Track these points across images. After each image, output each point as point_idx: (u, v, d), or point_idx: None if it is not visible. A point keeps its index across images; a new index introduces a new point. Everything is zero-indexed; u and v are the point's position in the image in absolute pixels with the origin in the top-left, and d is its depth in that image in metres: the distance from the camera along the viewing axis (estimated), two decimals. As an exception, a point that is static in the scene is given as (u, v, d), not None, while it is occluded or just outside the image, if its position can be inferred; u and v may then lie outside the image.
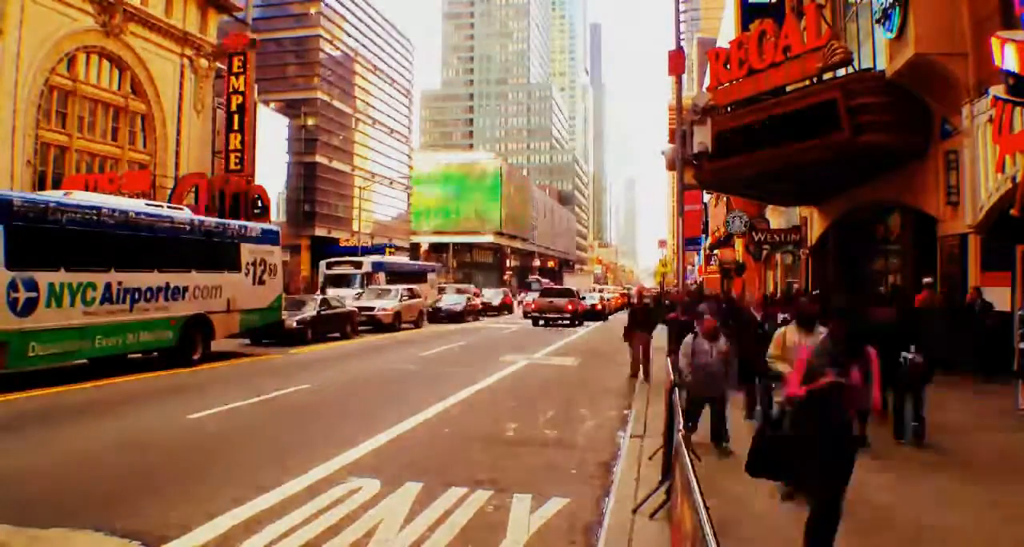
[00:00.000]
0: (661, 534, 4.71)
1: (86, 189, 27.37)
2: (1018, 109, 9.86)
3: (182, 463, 6.88)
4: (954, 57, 12.14)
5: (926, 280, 12.71)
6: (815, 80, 15.14)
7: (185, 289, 14.26)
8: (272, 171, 56.33)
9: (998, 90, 9.48)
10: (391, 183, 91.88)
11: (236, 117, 37.12)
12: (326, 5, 76.50)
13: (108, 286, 12.32)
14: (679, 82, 15.67)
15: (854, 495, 4.63)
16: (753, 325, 9.02)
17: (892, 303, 9.93)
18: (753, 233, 25.77)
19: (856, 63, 14.98)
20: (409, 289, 28.21)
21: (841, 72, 14.65)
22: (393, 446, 7.68)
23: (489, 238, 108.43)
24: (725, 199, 33.19)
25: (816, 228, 21.86)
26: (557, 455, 7.47)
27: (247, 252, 16.67)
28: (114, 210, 13.00)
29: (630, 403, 10.48)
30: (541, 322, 29.31)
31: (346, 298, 24.91)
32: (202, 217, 17.31)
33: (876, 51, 15.07)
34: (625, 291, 56.75)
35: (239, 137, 37.00)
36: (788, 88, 15.73)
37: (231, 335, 16.49)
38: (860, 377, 4.20)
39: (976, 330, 11.29)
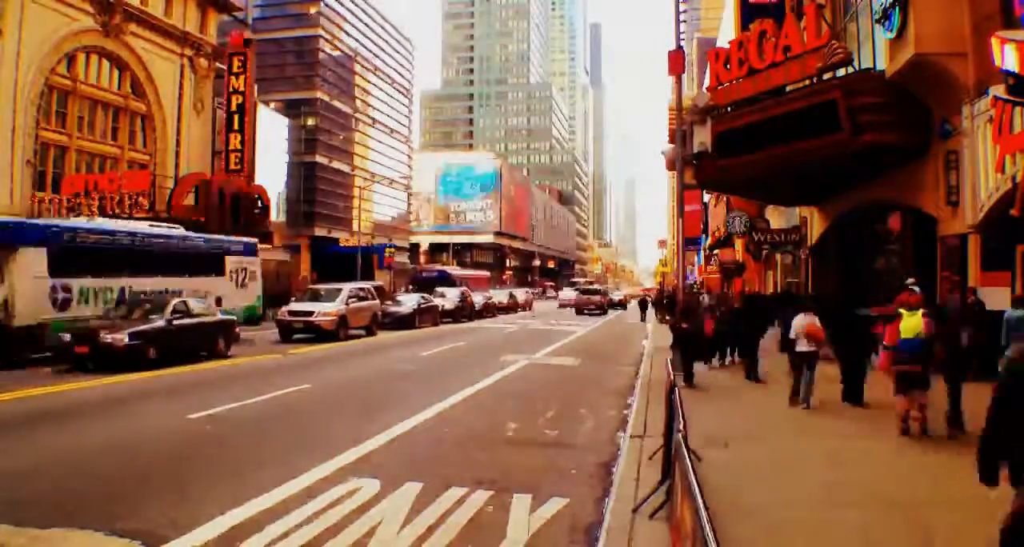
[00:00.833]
0: (661, 534, 4.71)
1: (86, 189, 27.43)
2: (1018, 109, 9.86)
3: (182, 463, 6.87)
4: (954, 57, 12.13)
5: (909, 281, 12.74)
6: (815, 80, 15.13)
7: (181, 291, 17.68)
8: (272, 171, 56.29)
9: (998, 90, 9.47)
10: (391, 183, 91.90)
11: (236, 117, 37.12)
12: (326, 5, 76.50)
13: (122, 289, 16.58)
14: (679, 82, 15.71)
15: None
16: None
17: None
18: (753, 233, 25.76)
19: (856, 63, 14.97)
20: (361, 289, 23.71)
21: (841, 72, 14.64)
22: (393, 446, 7.68)
23: (489, 238, 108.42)
24: (725, 199, 33.17)
25: (816, 228, 21.85)
26: (557, 455, 7.47)
27: (231, 261, 21.23)
28: (126, 232, 17.57)
29: (630, 403, 10.48)
30: (584, 311, 40.81)
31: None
32: (193, 234, 21.00)
33: (876, 51, 15.06)
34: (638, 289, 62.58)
35: (239, 137, 37.00)
36: (788, 88, 15.72)
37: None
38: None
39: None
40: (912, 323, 7.68)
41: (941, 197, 13.41)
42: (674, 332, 13.24)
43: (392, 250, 66.26)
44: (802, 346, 9.66)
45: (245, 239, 23.29)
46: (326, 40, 76.33)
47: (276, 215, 51.80)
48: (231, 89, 37.27)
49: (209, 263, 20.23)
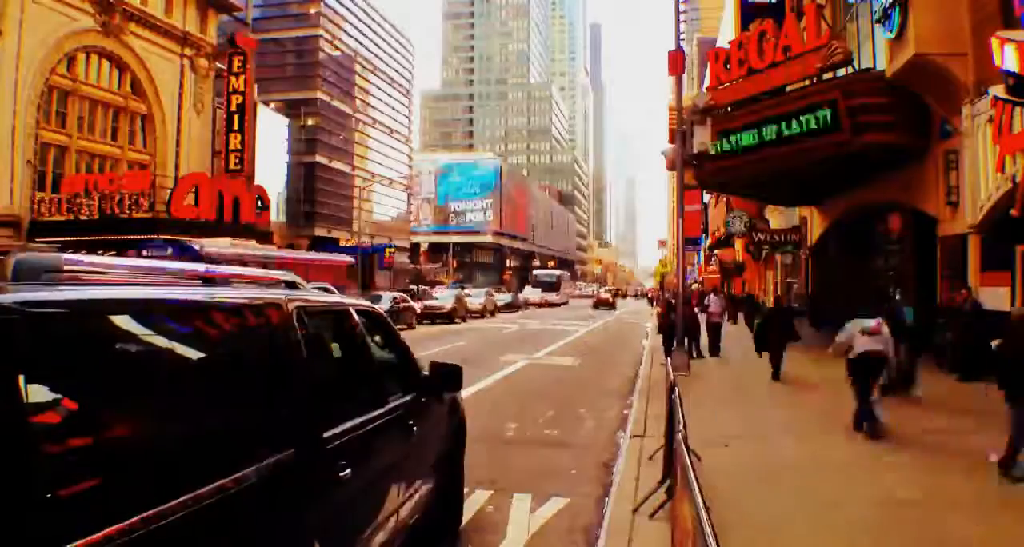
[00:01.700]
0: (661, 534, 4.70)
1: (86, 189, 27.43)
2: (1018, 109, 9.85)
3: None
4: (954, 57, 12.13)
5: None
6: (815, 80, 15.13)
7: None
8: (272, 171, 56.32)
9: (998, 90, 9.47)
10: (391, 183, 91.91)
11: (236, 117, 37.13)
12: (326, 5, 76.53)
13: None
14: (679, 82, 15.68)
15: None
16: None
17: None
18: (753, 233, 25.77)
19: (856, 63, 14.97)
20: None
21: (841, 72, 14.64)
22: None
23: (489, 238, 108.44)
24: (725, 199, 33.17)
25: (816, 228, 21.86)
26: (557, 455, 7.47)
27: None
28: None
29: (630, 403, 10.48)
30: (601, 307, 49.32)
31: None
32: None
33: (876, 51, 15.06)
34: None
35: (239, 137, 37.01)
36: (788, 88, 15.72)
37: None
38: None
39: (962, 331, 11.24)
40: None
41: (941, 197, 13.41)
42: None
43: (392, 250, 66.31)
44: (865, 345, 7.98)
45: None
46: (326, 40, 76.35)
47: (276, 215, 51.81)
48: (231, 89, 37.27)
49: None
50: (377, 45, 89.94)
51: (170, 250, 23.67)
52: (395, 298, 26.76)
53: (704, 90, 18.91)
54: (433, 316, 29.83)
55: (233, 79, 37.21)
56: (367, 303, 4.46)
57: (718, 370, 14.40)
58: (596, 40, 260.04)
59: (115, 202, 26.11)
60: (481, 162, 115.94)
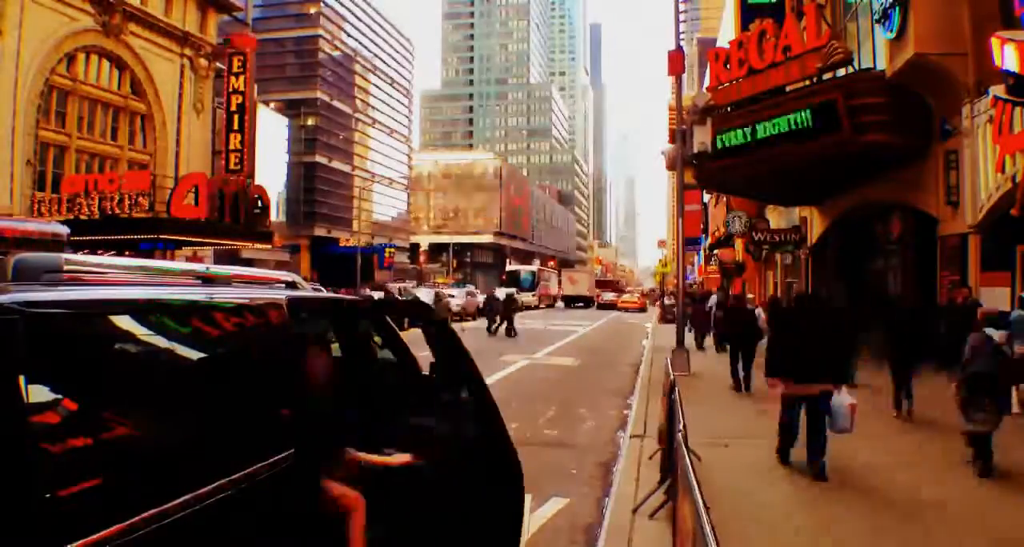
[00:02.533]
0: (661, 534, 4.71)
1: (85, 189, 27.41)
2: (1018, 109, 9.85)
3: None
4: (954, 57, 12.13)
5: None
6: (815, 80, 15.13)
7: None
8: (272, 171, 56.33)
9: (998, 90, 9.48)
10: (391, 183, 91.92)
11: (236, 117, 37.09)
12: (326, 5, 76.55)
13: None
14: (679, 82, 15.71)
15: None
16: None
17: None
18: (753, 233, 25.75)
19: (856, 63, 14.96)
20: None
21: (841, 72, 14.64)
22: (393, 446, 7.67)
23: (489, 238, 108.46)
24: (725, 199, 33.15)
25: (816, 228, 21.85)
26: (557, 455, 7.47)
27: None
28: None
29: (630, 403, 10.49)
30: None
31: None
32: None
33: (876, 51, 15.06)
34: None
35: (239, 137, 36.98)
36: (788, 88, 15.72)
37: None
38: None
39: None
40: None
41: (941, 197, 13.41)
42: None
43: (392, 250, 66.34)
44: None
45: None
46: (326, 40, 76.36)
47: (276, 215, 51.80)
48: (231, 89, 37.23)
49: None
50: (377, 45, 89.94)
51: None
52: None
53: (704, 90, 18.92)
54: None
55: (233, 79, 37.17)
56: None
57: (721, 367, 14.37)
58: (596, 40, 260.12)
59: (115, 202, 26.09)
60: (481, 162, 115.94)
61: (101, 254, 31.90)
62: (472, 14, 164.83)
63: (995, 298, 11.45)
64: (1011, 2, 10.72)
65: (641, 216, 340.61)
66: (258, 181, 35.88)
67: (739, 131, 16.49)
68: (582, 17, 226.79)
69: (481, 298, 37.28)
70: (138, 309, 2.12)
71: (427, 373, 4.08)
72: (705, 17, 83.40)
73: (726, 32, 29.06)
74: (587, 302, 52.15)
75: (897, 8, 12.52)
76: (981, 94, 11.34)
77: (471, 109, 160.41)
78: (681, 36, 15.44)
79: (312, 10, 75.44)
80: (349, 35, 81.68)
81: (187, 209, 25.74)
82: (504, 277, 54.67)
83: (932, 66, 12.44)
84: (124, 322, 2.06)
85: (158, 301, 2.24)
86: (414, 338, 4.00)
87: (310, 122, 72.36)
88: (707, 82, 19.33)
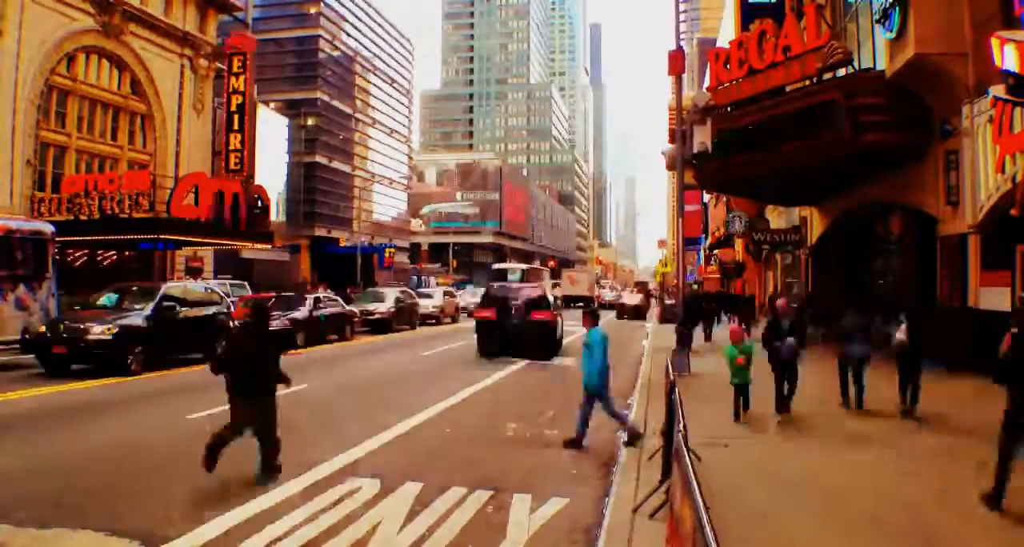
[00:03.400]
0: (661, 534, 4.71)
1: (85, 189, 27.38)
2: (1018, 109, 9.86)
3: (182, 463, 6.87)
4: (954, 57, 12.13)
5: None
6: (815, 80, 15.13)
7: None
8: (272, 171, 56.31)
9: (998, 90, 9.47)
10: (391, 183, 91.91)
11: (236, 117, 37.07)
12: (326, 5, 76.54)
13: None
14: (679, 82, 15.71)
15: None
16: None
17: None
18: (753, 233, 25.77)
19: (856, 63, 14.97)
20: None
21: (841, 72, 14.64)
22: (394, 446, 7.68)
23: (489, 238, 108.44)
24: (725, 199, 33.18)
25: (816, 228, 21.85)
26: (557, 455, 7.47)
27: None
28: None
29: (630, 403, 10.48)
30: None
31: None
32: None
33: (876, 51, 15.06)
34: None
35: (239, 137, 36.96)
36: (788, 88, 15.72)
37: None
38: None
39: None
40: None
41: (941, 197, 13.40)
42: None
43: (392, 250, 66.31)
44: None
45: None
46: (326, 40, 76.36)
47: (276, 215, 51.81)
48: (231, 89, 37.21)
49: None
50: (377, 45, 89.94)
51: None
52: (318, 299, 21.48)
53: (704, 90, 18.91)
54: (370, 324, 24.36)
55: (233, 79, 37.15)
56: None
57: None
58: (596, 40, 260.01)
59: (115, 202, 26.06)
60: (481, 162, 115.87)
61: (101, 255, 31.80)
62: (472, 14, 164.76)
63: (995, 298, 11.45)
64: (1011, 2, 10.73)
65: (641, 216, 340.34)
66: (258, 181, 35.86)
67: (739, 131, 16.49)
68: (582, 17, 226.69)
69: (468, 298, 35.82)
70: None
71: None
72: (705, 17, 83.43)
73: (726, 32, 29.08)
74: (587, 302, 52.03)
75: (897, 8, 12.52)
76: (981, 94, 11.34)
77: (471, 109, 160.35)
78: (681, 36, 15.45)
79: (312, 10, 75.43)
80: (349, 35, 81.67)
81: (187, 209, 25.72)
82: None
83: (932, 66, 12.44)
84: None
85: None
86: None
87: (310, 122, 72.32)
88: (707, 82, 19.32)
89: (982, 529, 5.06)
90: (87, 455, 7.10)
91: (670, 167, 20.60)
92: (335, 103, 77.41)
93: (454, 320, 32.33)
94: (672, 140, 17.97)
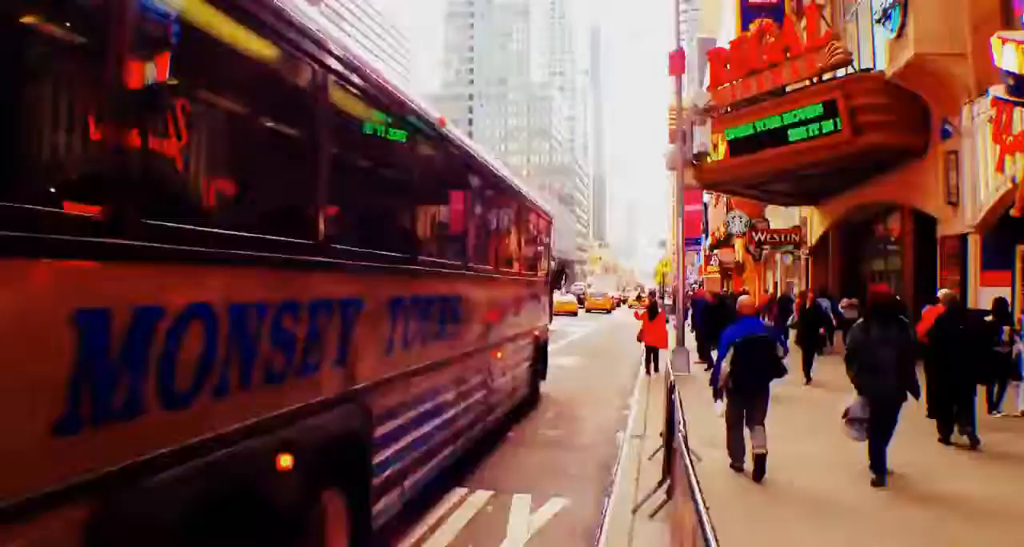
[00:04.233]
0: (661, 534, 4.71)
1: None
2: (1018, 109, 9.85)
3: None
4: (954, 57, 12.12)
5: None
6: (815, 80, 15.13)
7: None
8: (272, 171, 56.34)
9: (998, 90, 9.47)
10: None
11: (236, 117, 37.09)
12: (326, 5, 76.61)
13: None
14: (679, 82, 15.68)
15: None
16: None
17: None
18: (753, 233, 25.76)
19: (856, 63, 14.97)
20: None
21: (841, 72, 14.64)
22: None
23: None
24: (725, 199, 33.16)
25: (816, 228, 21.85)
26: (557, 455, 7.47)
27: None
28: None
29: (630, 403, 10.49)
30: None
31: None
32: None
33: (876, 51, 15.06)
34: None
35: (239, 137, 36.98)
36: (788, 88, 15.72)
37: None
38: None
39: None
40: None
41: (941, 197, 13.40)
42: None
43: (392, 250, 66.31)
44: None
45: None
46: (326, 40, 76.47)
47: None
48: (231, 89, 37.25)
49: None
50: (377, 45, 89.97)
51: None
52: None
53: (704, 90, 18.89)
54: None
55: (233, 79, 37.19)
56: None
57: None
58: (596, 40, 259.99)
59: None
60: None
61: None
62: (472, 14, 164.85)
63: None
64: (1011, 2, 10.73)
65: (641, 216, 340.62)
66: (258, 181, 35.85)
67: (739, 131, 16.50)
68: (582, 17, 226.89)
69: None
70: None
71: None
72: (705, 17, 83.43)
73: (726, 32, 29.07)
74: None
75: (897, 8, 12.52)
76: (981, 94, 11.33)
77: (471, 109, 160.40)
78: (681, 36, 15.44)
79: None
80: (348, 35, 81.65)
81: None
82: None
83: (932, 66, 12.44)
84: None
85: None
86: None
87: (310, 122, 72.48)
88: (707, 82, 19.32)
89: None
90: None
91: (670, 167, 20.56)
92: (335, 103, 77.54)
93: None
94: (672, 140, 17.94)
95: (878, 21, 13.46)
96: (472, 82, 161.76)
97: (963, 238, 12.72)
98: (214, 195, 2.86)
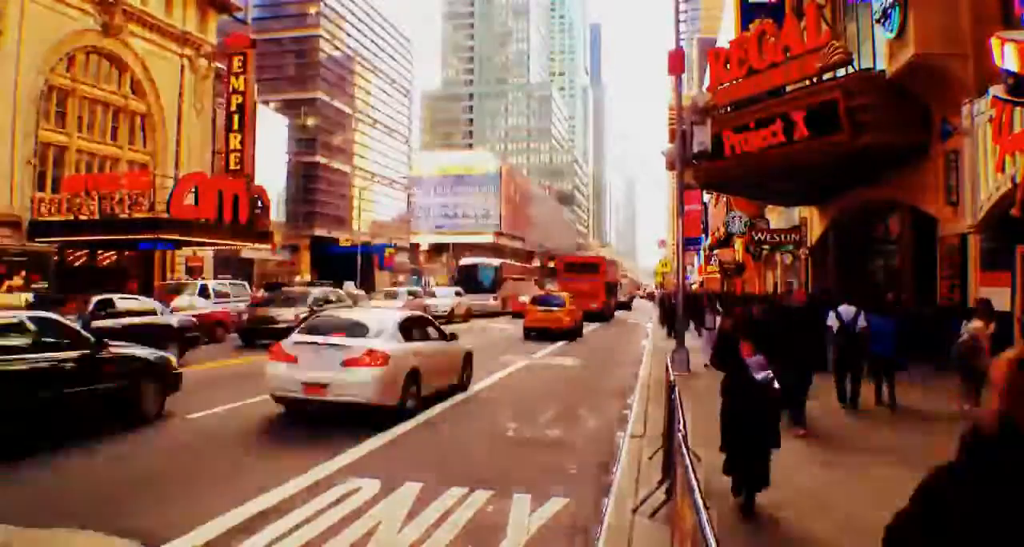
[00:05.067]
0: (661, 534, 4.71)
1: (85, 189, 27.40)
2: (1018, 109, 9.86)
3: (182, 463, 6.87)
4: (954, 57, 12.12)
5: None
6: (815, 80, 15.12)
7: None
8: (272, 171, 56.33)
9: (998, 90, 9.47)
10: (391, 183, 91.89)
11: (236, 117, 37.07)
12: (326, 5, 76.56)
13: None
14: (679, 82, 15.68)
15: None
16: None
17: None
18: (753, 233, 25.77)
19: (856, 63, 14.96)
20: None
21: (841, 72, 14.64)
22: (394, 446, 7.68)
23: (489, 238, 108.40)
24: (725, 199, 33.18)
25: (816, 228, 21.85)
26: (557, 455, 7.47)
27: None
28: None
29: (630, 403, 10.48)
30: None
31: None
32: None
33: (876, 51, 15.06)
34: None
35: (239, 137, 36.95)
36: (788, 88, 15.72)
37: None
38: None
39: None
40: None
41: (941, 197, 13.40)
42: None
43: (392, 250, 66.31)
44: None
45: None
46: (326, 40, 76.37)
47: (276, 215, 51.83)
48: (231, 89, 37.22)
49: None
50: (377, 45, 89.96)
51: None
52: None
53: (704, 90, 18.89)
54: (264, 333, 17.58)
55: (233, 79, 37.16)
56: None
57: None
58: (596, 40, 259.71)
59: (115, 202, 26.06)
60: (481, 162, 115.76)
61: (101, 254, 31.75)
62: (472, 14, 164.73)
63: (995, 298, 11.42)
64: (1011, 2, 10.73)
65: (641, 216, 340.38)
66: (258, 181, 35.85)
67: (740, 132, 16.48)
68: (582, 17, 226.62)
69: (433, 301, 30.50)
70: None
71: None
72: (705, 17, 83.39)
73: (726, 32, 29.08)
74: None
75: (897, 8, 12.52)
76: (981, 94, 11.34)
77: (471, 109, 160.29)
78: (681, 36, 15.43)
79: (312, 10, 75.46)
80: (349, 35, 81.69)
81: (187, 209, 25.73)
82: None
83: (932, 66, 12.44)
84: None
85: None
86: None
87: (310, 122, 72.33)
88: (707, 82, 19.32)
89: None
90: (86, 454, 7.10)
91: (670, 167, 20.60)
92: (335, 103, 77.41)
93: (465, 320, 31.20)
94: (672, 140, 17.93)
95: (878, 21, 13.45)
96: (472, 82, 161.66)
97: (963, 238, 12.72)
98: None
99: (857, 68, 14.93)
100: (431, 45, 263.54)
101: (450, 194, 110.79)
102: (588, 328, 27.61)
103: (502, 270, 40.75)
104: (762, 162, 16.26)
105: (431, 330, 10.58)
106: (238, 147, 36.96)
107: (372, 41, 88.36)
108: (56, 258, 28.65)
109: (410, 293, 31.09)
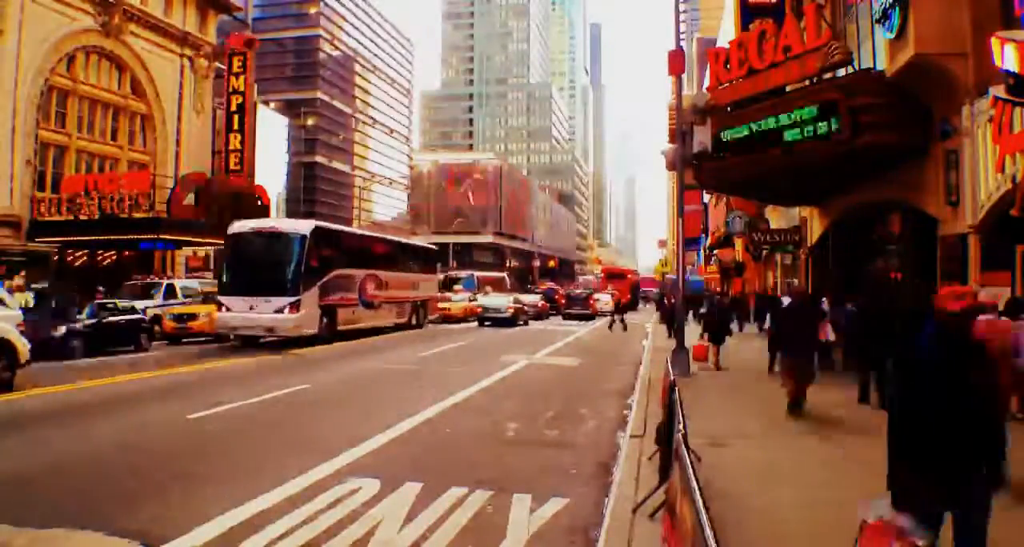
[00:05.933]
0: (661, 534, 4.70)
1: (85, 189, 27.45)
2: (1018, 109, 9.85)
3: (182, 463, 6.87)
4: (954, 57, 12.11)
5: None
6: (815, 80, 15.11)
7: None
8: (272, 171, 56.37)
9: (998, 90, 9.47)
10: (391, 183, 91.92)
11: (236, 117, 37.07)
12: (326, 5, 76.64)
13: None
14: (679, 82, 15.69)
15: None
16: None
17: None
18: (753, 233, 25.75)
19: (856, 63, 14.95)
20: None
21: (841, 72, 14.62)
22: (394, 446, 7.68)
23: (489, 238, 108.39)
24: (725, 199, 33.15)
25: (816, 228, 21.84)
26: (557, 455, 7.47)
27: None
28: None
29: (630, 403, 10.49)
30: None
31: None
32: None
33: (876, 51, 15.05)
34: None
35: (239, 137, 36.96)
36: (788, 88, 15.70)
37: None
38: None
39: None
40: None
41: (941, 197, 13.39)
42: None
43: (392, 250, 66.22)
44: None
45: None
46: (326, 40, 76.45)
47: (275, 215, 51.83)
48: (231, 89, 37.22)
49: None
50: (377, 45, 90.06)
51: None
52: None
53: (704, 90, 18.91)
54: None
55: (233, 79, 37.16)
56: None
57: (721, 369, 14.38)
58: (596, 40, 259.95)
59: (115, 202, 26.10)
60: (481, 162, 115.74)
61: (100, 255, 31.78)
62: (472, 14, 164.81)
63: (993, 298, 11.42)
64: (1011, 2, 10.73)
65: (641, 216, 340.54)
66: (258, 181, 35.88)
67: (739, 131, 16.48)
68: (582, 17, 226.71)
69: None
70: None
71: None
72: (705, 17, 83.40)
73: (726, 32, 29.06)
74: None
75: (897, 8, 12.51)
76: (981, 94, 11.33)
77: (471, 109, 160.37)
78: (681, 36, 15.44)
79: (312, 10, 75.54)
80: (349, 35, 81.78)
81: (187, 209, 25.77)
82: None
83: (932, 66, 12.43)
84: None
85: None
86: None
87: (310, 122, 72.37)
88: (707, 82, 19.31)
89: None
90: (86, 454, 7.10)
91: (670, 167, 20.65)
92: (335, 103, 77.49)
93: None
94: (672, 140, 17.96)
95: (878, 21, 13.44)
96: (472, 82, 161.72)
97: (963, 238, 12.72)
98: None
99: (857, 68, 14.93)
100: (431, 45, 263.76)
101: (450, 194, 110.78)
102: (588, 328, 27.68)
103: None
104: (762, 162, 16.25)
105: None
106: (238, 147, 36.96)
107: (372, 41, 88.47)
108: (56, 258, 28.67)
109: None
